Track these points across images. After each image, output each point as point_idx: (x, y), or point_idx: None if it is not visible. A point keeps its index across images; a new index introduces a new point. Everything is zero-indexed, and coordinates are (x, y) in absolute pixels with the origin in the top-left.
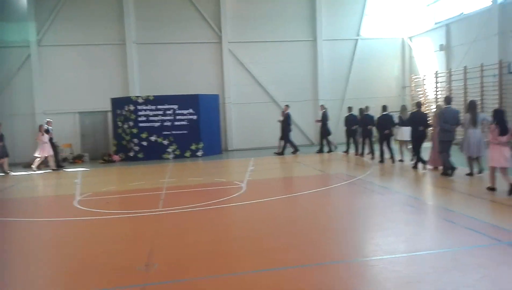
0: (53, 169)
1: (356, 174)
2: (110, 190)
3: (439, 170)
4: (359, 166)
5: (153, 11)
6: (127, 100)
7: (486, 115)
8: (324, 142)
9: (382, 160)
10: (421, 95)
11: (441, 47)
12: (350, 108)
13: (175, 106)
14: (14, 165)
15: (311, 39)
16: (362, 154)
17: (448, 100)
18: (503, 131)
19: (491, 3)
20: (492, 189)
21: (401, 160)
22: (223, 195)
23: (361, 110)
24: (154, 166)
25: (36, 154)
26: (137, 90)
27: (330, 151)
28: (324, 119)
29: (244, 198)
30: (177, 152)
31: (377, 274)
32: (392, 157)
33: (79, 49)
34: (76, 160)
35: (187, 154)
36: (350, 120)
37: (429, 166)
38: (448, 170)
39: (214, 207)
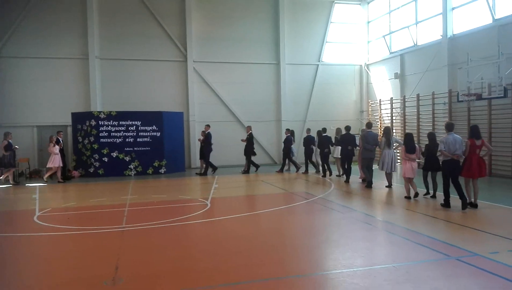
0: (58, 181)
1: (316, 192)
2: (70, 206)
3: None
4: (318, 185)
5: (118, 27)
6: (89, 115)
7: (398, 138)
8: (288, 162)
9: (323, 175)
10: (377, 119)
11: (396, 75)
12: (308, 130)
13: (138, 122)
14: None
15: (275, 62)
16: (320, 173)
17: (369, 125)
18: (411, 150)
19: (441, 37)
20: (408, 197)
21: (338, 175)
22: (188, 212)
23: (318, 132)
24: (115, 182)
25: (49, 165)
26: (99, 106)
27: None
28: (287, 142)
29: (209, 215)
30: (139, 169)
31: (337, 286)
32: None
33: (40, 62)
34: (34, 175)
35: (150, 171)
36: (308, 141)
37: (359, 179)
38: (369, 182)
39: (179, 224)
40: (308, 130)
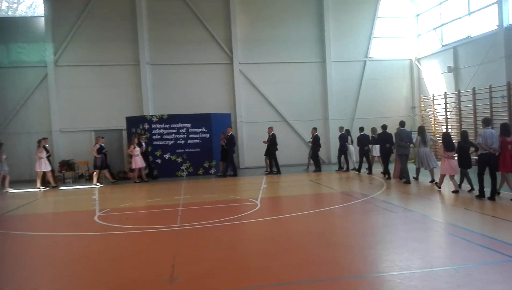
0: (144, 180)
1: (368, 192)
2: (127, 206)
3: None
4: (370, 184)
5: (166, 33)
6: (142, 119)
7: (432, 136)
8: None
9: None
10: (430, 115)
11: (449, 69)
12: (361, 128)
13: (188, 125)
14: (30, 182)
15: (321, 60)
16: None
17: (402, 123)
18: (449, 148)
19: (497, 27)
20: (439, 189)
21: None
22: (238, 212)
23: (373, 130)
24: (168, 183)
25: (133, 167)
26: (151, 109)
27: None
28: (342, 140)
29: (259, 215)
30: (190, 170)
31: (393, 288)
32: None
33: (95, 69)
34: (92, 177)
35: (200, 171)
36: (362, 140)
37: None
38: (405, 178)
39: (230, 224)
40: (362, 128)
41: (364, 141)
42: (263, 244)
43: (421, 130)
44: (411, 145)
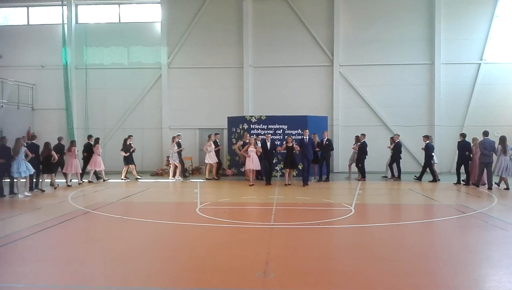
0: (213, 178)
1: (474, 206)
2: (225, 201)
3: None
4: (476, 198)
5: (269, 36)
6: (242, 119)
7: None
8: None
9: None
10: None
11: None
12: (463, 135)
13: (285, 126)
14: (142, 173)
15: (429, 62)
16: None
17: (486, 133)
18: None
19: None
20: None
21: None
22: (332, 216)
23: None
24: (263, 182)
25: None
26: (250, 110)
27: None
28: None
29: (353, 220)
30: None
31: None
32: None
33: (202, 71)
34: (195, 172)
35: (294, 173)
36: (463, 147)
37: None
38: (490, 184)
39: (323, 227)
40: (463, 135)
41: (464, 149)
42: (356, 250)
43: (503, 140)
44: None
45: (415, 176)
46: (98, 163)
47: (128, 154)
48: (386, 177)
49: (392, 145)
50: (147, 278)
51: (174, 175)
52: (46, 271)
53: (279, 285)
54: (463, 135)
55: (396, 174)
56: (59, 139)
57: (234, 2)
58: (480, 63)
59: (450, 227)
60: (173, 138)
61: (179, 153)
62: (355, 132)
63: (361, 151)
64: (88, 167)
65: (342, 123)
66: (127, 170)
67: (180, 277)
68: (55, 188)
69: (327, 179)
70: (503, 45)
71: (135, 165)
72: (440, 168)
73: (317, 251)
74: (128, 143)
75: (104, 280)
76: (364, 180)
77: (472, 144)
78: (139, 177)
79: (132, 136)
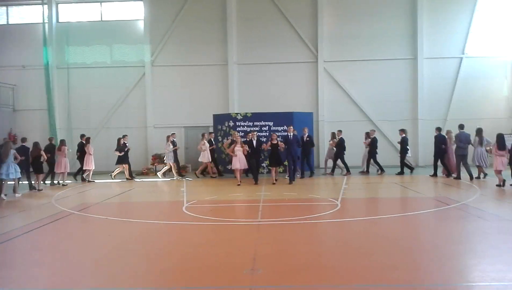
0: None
1: (459, 198)
2: (212, 199)
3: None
4: (461, 190)
5: (253, 33)
6: (227, 117)
7: (488, 138)
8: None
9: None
10: None
11: None
12: (438, 128)
13: (271, 123)
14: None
15: (411, 57)
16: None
17: (461, 126)
18: (501, 147)
19: None
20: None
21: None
22: (318, 211)
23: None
24: (249, 179)
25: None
26: (236, 107)
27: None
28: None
29: (338, 215)
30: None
31: None
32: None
33: (186, 69)
34: (181, 170)
35: (280, 169)
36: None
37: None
38: (470, 175)
39: (310, 222)
40: (439, 129)
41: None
42: (343, 245)
43: (479, 132)
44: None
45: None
46: (89, 162)
47: (122, 153)
48: (363, 171)
49: (368, 140)
50: (133, 279)
51: (164, 174)
52: (31, 274)
53: (268, 281)
54: (438, 129)
55: (365, 169)
56: (50, 139)
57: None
58: (462, 57)
59: (434, 219)
60: (168, 137)
61: (175, 152)
62: (340, 127)
63: (339, 147)
64: (84, 167)
65: (328, 118)
66: (120, 170)
67: (167, 277)
68: (38, 189)
69: (311, 175)
70: (484, 39)
71: (129, 165)
72: (424, 161)
73: (305, 246)
74: (122, 142)
75: (90, 282)
76: (350, 173)
77: (446, 137)
78: (131, 177)
79: (126, 135)
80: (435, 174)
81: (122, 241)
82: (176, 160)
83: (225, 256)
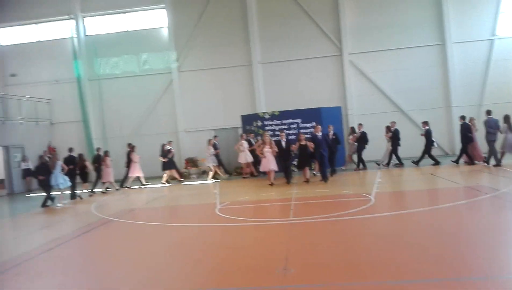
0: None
1: (499, 186)
2: (244, 200)
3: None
4: (502, 178)
5: (275, 31)
6: (255, 117)
7: None
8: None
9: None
10: None
11: None
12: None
13: (299, 120)
14: (158, 178)
15: (439, 43)
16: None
17: (489, 112)
18: None
19: None
20: None
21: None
22: (351, 207)
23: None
24: (280, 178)
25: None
26: (263, 107)
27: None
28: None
29: (373, 210)
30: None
31: None
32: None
33: (211, 72)
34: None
35: (312, 166)
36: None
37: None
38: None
39: (343, 219)
40: (463, 117)
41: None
42: (377, 241)
43: (507, 118)
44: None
45: (413, 161)
46: (134, 169)
47: (166, 159)
48: (385, 164)
49: (389, 133)
50: (170, 283)
51: (214, 177)
52: (72, 282)
53: (300, 280)
54: (462, 118)
55: (386, 162)
56: (98, 150)
57: (237, 0)
58: (493, 39)
59: (472, 209)
60: (209, 140)
61: (217, 155)
62: (370, 120)
63: (361, 141)
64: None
65: (357, 112)
66: (168, 176)
67: (201, 279)
68: (81, 198)
69: (332, 173)
70: None
71: (176, 169)
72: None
73: (337, 243)
74: (165, 149)
75: (123, 286)
76: (366, 169)
77: (470, 125)
78: (182, 178)
79: (171, 141)
80: (470, 161)
81: (158, 246)
82: (218, 162)
83: (257, 256)
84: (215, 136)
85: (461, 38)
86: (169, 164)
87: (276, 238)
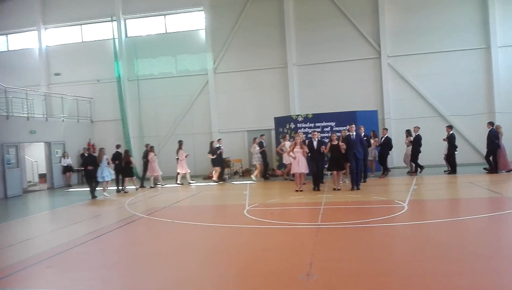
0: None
1: None
2: (273, 202)
3: None
4: None
5: (312, 33)
6: (288, 119)
7: None
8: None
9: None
10: None
11: None
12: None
13: (333, 123)
14: (195, 177)
15: (484, 47)
16: None
17: (492, 123)
18: None
19: None
20: None
21: None
22: (382, 214)
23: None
24: (310, 181)
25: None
26: (297, 109)
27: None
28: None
29: (405, 218)
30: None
31: None
32: None
33: (247, 74)
34: (245, 173)
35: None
36: None
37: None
38: None
39: (373, 226)
40: (491, 123)
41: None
42: (406, 250)
43: None
44: None
45: (484, 168)
46: (152, 169)
47: (215, 156)
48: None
49: (410, 138)
50: (199, 281)
51: (260, 175)
52: (101, 276)
53: (323, 287)
54: (491, 124)
55: (413, 169)
56: (146, 146)
57: (275, 3)
58: None
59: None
60: (254, 139)
61: (263, 153)
62: (408, 125)
63: (415, 144)
64: (148, 173)
65: (394, 116)
66: (219, 173)
67: (222, 282)
68: (125, 192)
69: (364, 180)
70: None
71: (222, 168)
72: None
73: (365, 251)
74: (214, 146)
75: (149, 284)
76: (417, 173)
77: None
78: (222, 180)
79: (220, 139)
80: (490, 169)
81: (185, 245)
82: (263, 162)
83: (282, 260)
84: (262, 135)
85: (508, 42)
86: (218, 161)
87: (302, 242)
